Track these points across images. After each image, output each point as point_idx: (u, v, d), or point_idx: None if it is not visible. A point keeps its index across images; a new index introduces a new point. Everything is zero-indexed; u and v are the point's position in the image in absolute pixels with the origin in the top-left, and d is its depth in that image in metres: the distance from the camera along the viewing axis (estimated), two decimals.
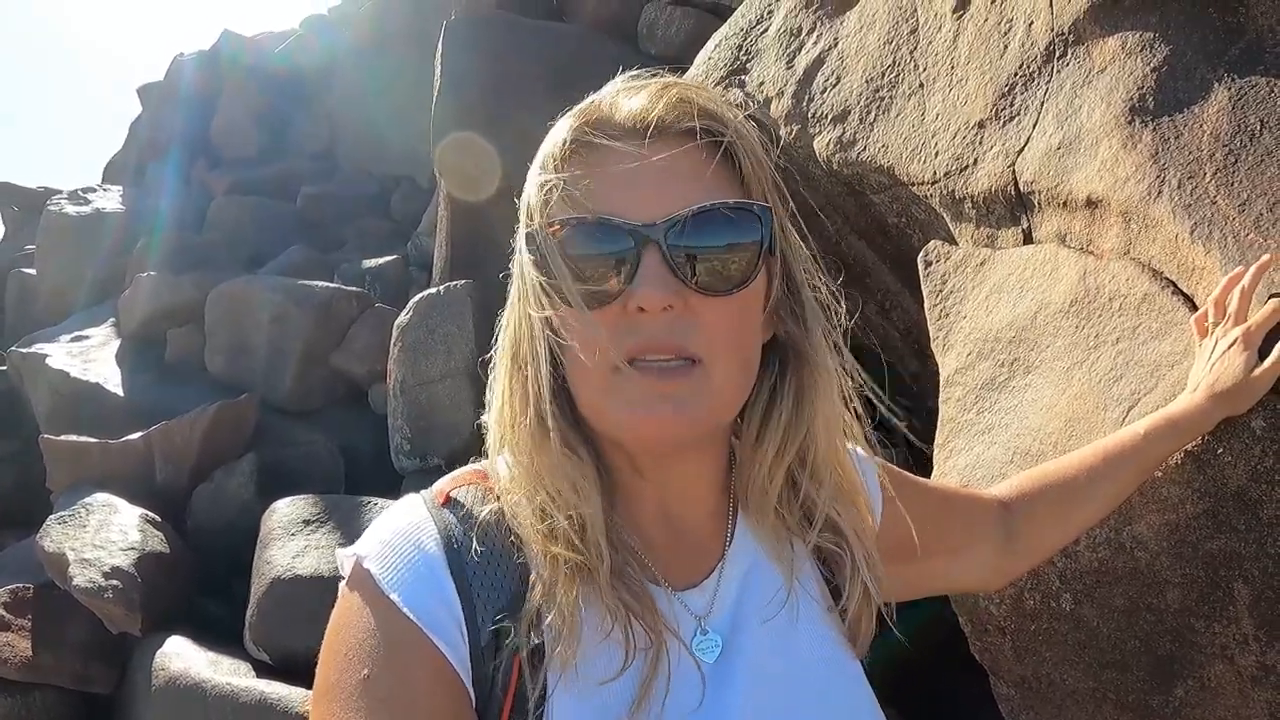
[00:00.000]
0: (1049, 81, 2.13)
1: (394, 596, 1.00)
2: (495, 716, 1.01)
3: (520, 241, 1.10)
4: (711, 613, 1.16)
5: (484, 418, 1.17)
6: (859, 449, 1.37)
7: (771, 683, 1.14)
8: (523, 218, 1.10)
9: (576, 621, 1.03)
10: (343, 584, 1.06)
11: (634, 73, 1.14)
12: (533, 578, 1.04)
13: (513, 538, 1.07)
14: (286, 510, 5.53)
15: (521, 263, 1.09)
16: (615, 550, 1.07)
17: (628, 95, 1.09)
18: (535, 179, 1.08)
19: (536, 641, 1.02)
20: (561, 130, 1.08)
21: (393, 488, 6.05)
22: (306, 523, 5.40)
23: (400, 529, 1.07)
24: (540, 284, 1.05)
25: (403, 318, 5.94)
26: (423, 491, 1.14)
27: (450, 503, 1.10)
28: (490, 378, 1.16)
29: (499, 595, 1.03)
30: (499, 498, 1.10)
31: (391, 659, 0.98)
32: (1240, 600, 1.68)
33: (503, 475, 1.12)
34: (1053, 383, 1.94)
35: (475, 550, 1.05)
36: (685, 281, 1.02)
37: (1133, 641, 1.82)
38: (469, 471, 1.16)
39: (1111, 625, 1.84)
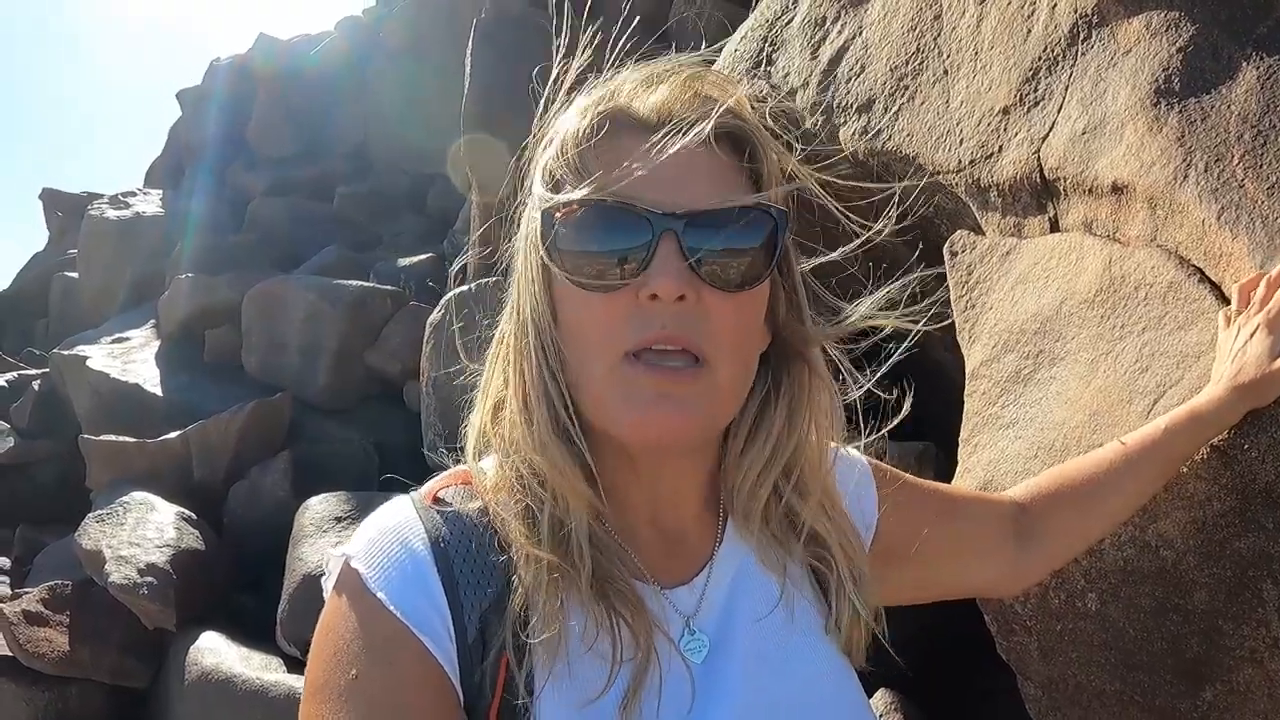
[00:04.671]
0: (1073, 65, 2.07)
1: (381, 595, 1.00)
2: (483, 715, 1.00)
3: (531, 223, 1.07)
4: (699, 612, 1.15)
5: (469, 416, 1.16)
6: (849, 450, 1.35)
7: (761, 685, 1.12)
8: (534, 200, 1.08)
9: (561, 625, 1.02)
10: (330, 583, 1.06)
11: (666, 61, 1.12)
12: (516, 579, 1.03)
13: (499, 537, 1.06)
14: (319, 507, 5.58)
15: (530, 245, 1.07)
16: (600, 551, 1.06)
17: (648, 87, 1.08)
18: (552, 160, 1.06)
19: (523, 641, 1.01)
20: (580, 115, 1.06)
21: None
22: (338, 519, 5.44)
23: (387, 528, 1.06)
24: (550, 265, 1.04)
25: (435, 315, 5.94)
26: (410, 492, 1.13)
27: (438, 503, 1.10)
28: (485, 374, 1.15)
29: (486, 594, 1.02)
30: (485, 498, 1.09)
31: (379, 658, 0.98)
32: (1269, 602, 1.62)
33: (489, 475, 1.11)
34: (1078, 375, 1.89)
35: (462, 549, 1.04)
36: (699, 274, 1.01)
37: (1160, 643, 1.77)
38: (455, 473, 1.15)
39: (1138, 626, 1.78)
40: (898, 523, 1.34)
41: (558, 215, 1.03)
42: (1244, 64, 1.79)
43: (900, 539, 1.34)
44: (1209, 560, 1.65)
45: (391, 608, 0.99)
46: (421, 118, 11.63)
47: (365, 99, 13.73)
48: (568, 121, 1.07)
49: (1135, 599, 1.76)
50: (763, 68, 3.22)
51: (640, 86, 1.08)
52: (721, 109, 1.06)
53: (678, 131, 1.04)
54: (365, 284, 8.64)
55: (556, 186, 1.05)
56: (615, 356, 1.01)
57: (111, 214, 12.97)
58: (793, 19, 3.15)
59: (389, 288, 8.66)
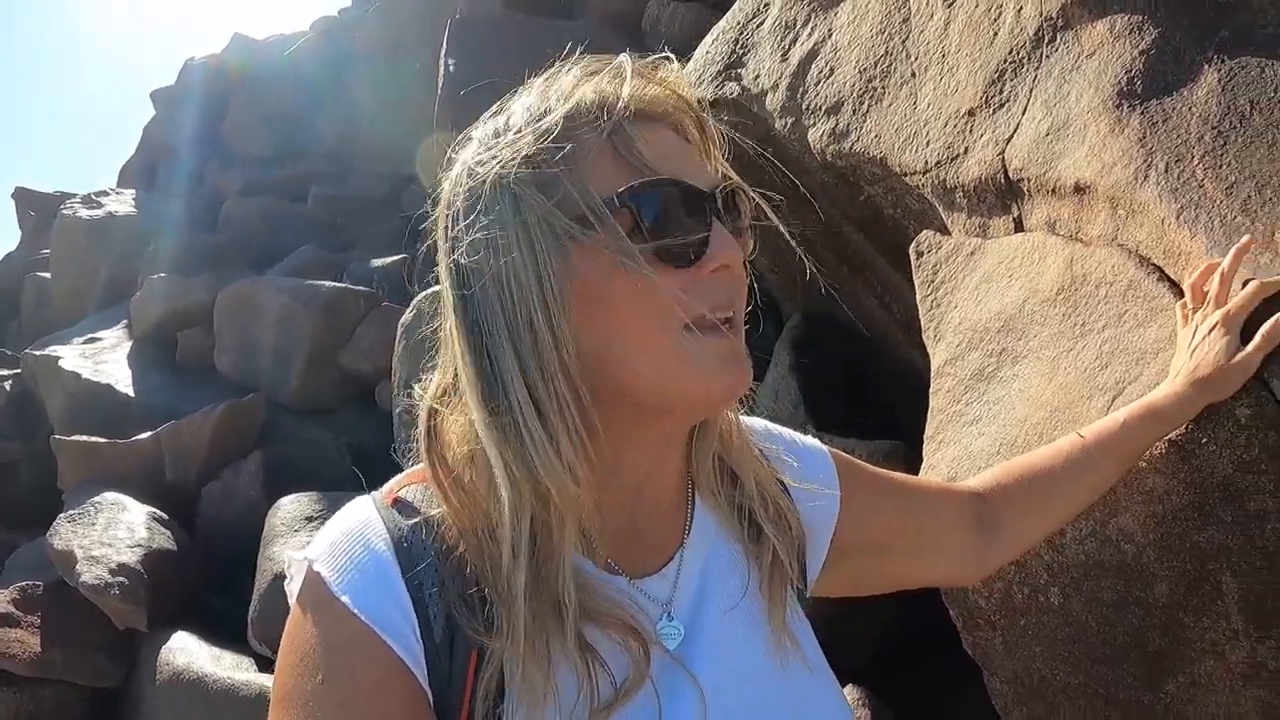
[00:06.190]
0: (1038, 67, 2.10)
1: (345, 599, 0.99)
2: (454, 715, 1.00)
3: (545, 208, 1.01)
4: (674, 600, 1.15)
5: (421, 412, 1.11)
6: (812, 441, 1.36)
7: (733, 672, 1.13)
8: (566, 186, 1.02)
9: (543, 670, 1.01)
10: (294, 587, 1.05)
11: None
12: (481, 585, 1.02)
13: (462, 535, 1.04)
14: (290, 507, 5.57)
15: (545, 228, 1.01)
16: (584, 591, 1.05)
17: (627, 81, 1.06)
18: (584, 143, 1.02)
19: (490, 642, 1.00)
20: (586, 104, 1.04)
21: None
22: (309, 519, 5.44)
23: (348, 530, 1.05)
24: (612, 242, 1.00)
25: (406, 316, 5.92)
26: (372, 493, 1.12)
27: (399, 503, 1.09)
28: (441, 375, 1.10)
29: (450, 594, 1.01)
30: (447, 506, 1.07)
31: (344, 662, 0.97)
32: (1229, 595, 1.64)
33: (448, 490, 1.07)
34: (1039, 372, 1.91)
35: (425, 549, 1.03)
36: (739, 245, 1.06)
37: (1122, 636, 1.79)
38: (415, 472, 1.13)
39: (1100, 620, 1.80)
40: (860, 513, 1.35)
41: (620, 194, 1.01)
42: (1205, 67, 1.81)
43: (863, 529, 1.35)
44: (1169, 554, 1.67)
45: (356, 610, 0.98)
46: (397, 118, 11.59)
47: (342, 99, 13.67)
48: (565, 112, 1.04)
49: (1097, 593, 1.78)
50: (734, 70, 3.24)
51: (624, 80, 1.07)
52: (692, 100, 1.10)
53: (667, 117, 1.08)
54: (338, 285, 8.60)
55: (590, 168, 1.03)
56: (680, 326, 1.01)
57: (84, 214, 12.89)
58: (764, 22, 3.18)
59: (362, 289, 8.62)
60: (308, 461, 7.29)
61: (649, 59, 1.12)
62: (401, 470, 1.17)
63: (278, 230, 11.80)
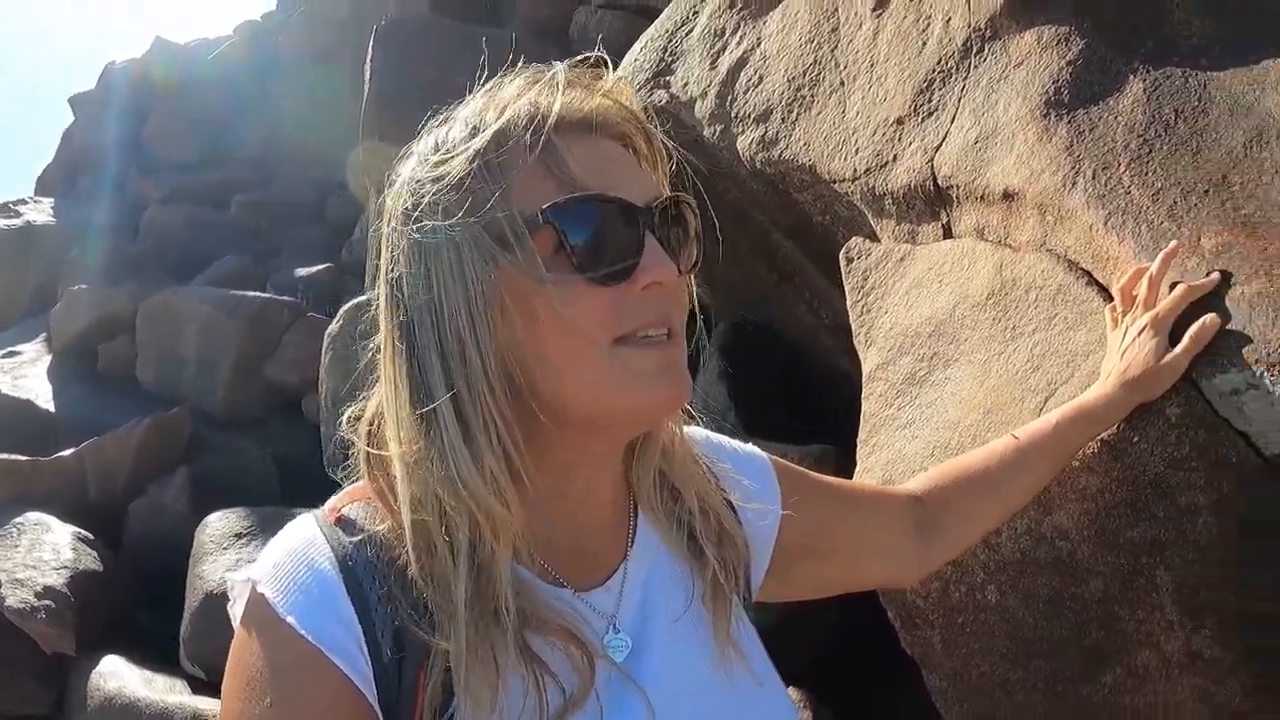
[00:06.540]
0: (966, 77, 2.14)
1: (290, 619, 0.98)
2: None
3: (474, 229, 1.01)
4: (619, 612, 1.15)
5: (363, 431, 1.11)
6: (751, 448, 1.37)
7: (679, 685, 1.14)
8: (488, 203, 1.01)
9: (490, 678, 1.00)
10: (238, 609, 1.04)
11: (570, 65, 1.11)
12: (426, 597, 1.01)
13: (408, 552, 1.03)
14: (219, 524, 5.48)
15: (475, 247, 1.00)
16: (524, 598, 1.04)
17: (565, 93, 1.05)
18: (513, 161, 1.02)
19: (438, 654, 1.00)
20: (518, 119, 1.03)
21: (329, 497, 5.90)
22: (239, 536, 5.35)
23: (292, 550, 1.03)
24: (531, 272, 1.00)
25: (333, 326, 5.85)
26: (314, 510, 1.10)
27: (342, 520, 1.07)
28: (382, 394, 1.09)
29: (398, 611, 1.00)
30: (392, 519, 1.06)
31: (292, 683, 0.96)
32: (1163, 587, 1.68)
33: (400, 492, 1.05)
34: (971, 375, 1.94)
35: (370, 567, 1.02)
36: (676, 259, 1.05)
37: (1059, 631, 1.83)
38: (359, 487, 1.11)
39: (1037, 615, 1.84)
40: (801, 519, 1.35)
41: (544, 211, 1.00)
42: (1131, 77, 1.87)
43: (804, 534, 1.36)
44: (1103, 549, 1.72)
45: (302, 631, 0.97)
46: (323, 125, 11.46)
47: (266, 104, 13.49)
48: (496, 128, 1.03)
49: (1033, 589, 1.82)
50: (662, 77, 3.25)
51: (555, 94, 1.05)
52: (633, 112, 1.10)
53: (604, 130, 1.07)
54: (262, 295, 8.52)
55: (514, 184, 1.02)
56: (606, 345, 1.01)
57: (1, 223, 12.59)
58: (693, 30, 3.19)
59: (286, 299, 8.54)
60: (234, 474, 7.18)
61: (588, 58, 1.12)
62: (329, 483, 1.16)
63: (201, 237, 11.61)
